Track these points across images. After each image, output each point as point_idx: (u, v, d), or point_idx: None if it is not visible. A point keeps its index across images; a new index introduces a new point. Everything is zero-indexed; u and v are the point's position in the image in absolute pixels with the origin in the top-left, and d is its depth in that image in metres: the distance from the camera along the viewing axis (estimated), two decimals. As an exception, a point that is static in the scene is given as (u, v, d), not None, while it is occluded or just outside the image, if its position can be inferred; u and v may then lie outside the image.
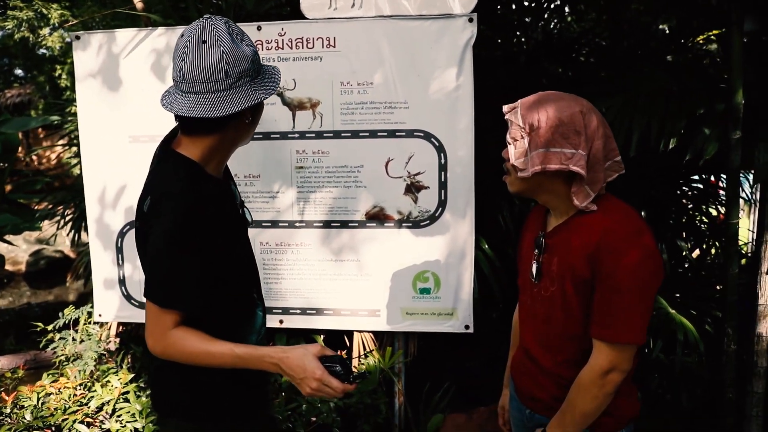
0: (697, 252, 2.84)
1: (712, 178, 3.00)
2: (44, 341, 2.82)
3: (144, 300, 1.18)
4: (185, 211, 1.12)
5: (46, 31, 7.97)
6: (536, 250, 1.33)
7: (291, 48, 2.27)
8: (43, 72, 10.28)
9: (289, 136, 2.32)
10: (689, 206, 2.70)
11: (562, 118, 1.18)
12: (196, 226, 1.13)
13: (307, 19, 2.24)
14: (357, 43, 2.23)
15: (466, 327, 2.33)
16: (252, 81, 1.15)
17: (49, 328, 2.82)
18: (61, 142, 4.03)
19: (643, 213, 2.45)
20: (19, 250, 8.49)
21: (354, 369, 1.21)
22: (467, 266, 2.30)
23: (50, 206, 3.98)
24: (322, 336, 2.55)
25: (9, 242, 5.32)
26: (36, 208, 5.12)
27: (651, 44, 3.46)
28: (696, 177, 2.91)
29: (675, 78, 2.25)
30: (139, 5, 2.44)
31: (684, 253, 2.54)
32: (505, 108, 1.26)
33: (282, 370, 1.15)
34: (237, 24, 2.28)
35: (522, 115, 1.21)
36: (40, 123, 5.31)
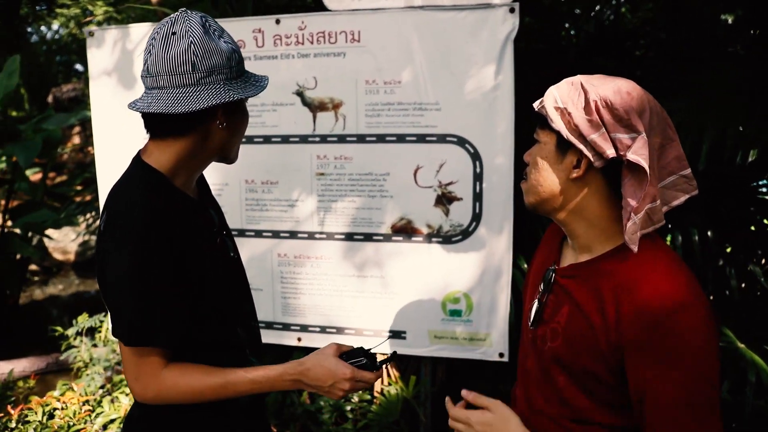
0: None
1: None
2: (64, 346, 2.75)
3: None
4: (145, 228, 0.96)
5: (93, 27, 8.12)
6: (541, 285, 1.03)
7: (312, 43, 2.07)
8: (94, 67, 10.55)
9: (309, 139, 2.13)
10: (764, 223, 2.36)
11: (609, 95, 0.88)
12: (159, 245, 0.96)
13: (330, 10, 2.04)
14: (384, 37, 2.01)
15: (500, 355, 2.08)
16: (227, 81, 0.99)
17: (69, 332, 2.75)
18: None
19: (709, 233, 2.14)
20: (67, 239, 8.75)
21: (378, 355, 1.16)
22: (503, 287, 2.05)
23: (87, 200, 4.00)
24: (342, 356, 2.36)
25: (49, 237, 5.41)
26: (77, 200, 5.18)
27: (716, 36, 3.08)
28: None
29: (758, 75, 1.91)
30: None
31: (759, 279, 2.21)
32: (536, 103, 0.99)
33: (306, 384, 1.04)
34: (252, 17, 2.11)
35: (557, 97, 0.94)
36: (78, 118, 5.36)
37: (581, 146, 0.90)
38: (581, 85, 0.92)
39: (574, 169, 0.93)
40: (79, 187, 5.47)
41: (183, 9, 1.00)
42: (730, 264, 2.23)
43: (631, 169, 0.88)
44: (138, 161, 1.05)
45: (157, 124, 1.01)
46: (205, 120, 1.00)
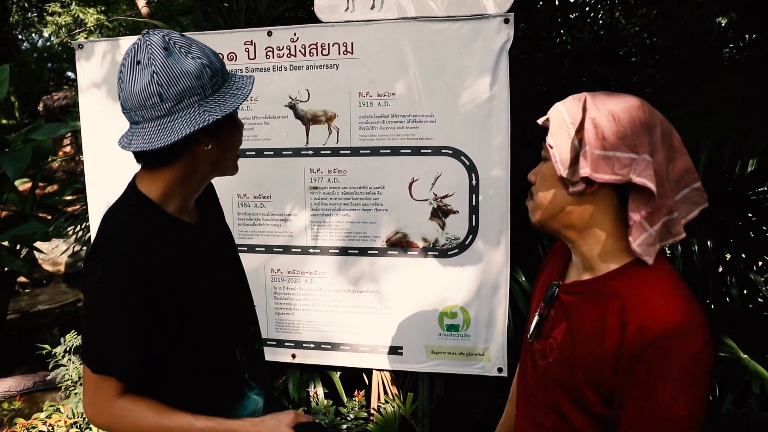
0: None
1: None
2: (52, 364, 2.69)
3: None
4: (124, 257, 0.94)
5: (83, 36, 8.06)
6: (544, 300, 1.02)
7: (304, 55, 2.04)
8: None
9: (303, 153, 2.09)
10: (763, 230, 2.33)
11: (617, 112, 0.86)
12: (136, 276, 0.94)
13: (322, 22, 2.00)
14: (377, 48, 1.97)
15: (499, 370, 2.04)
16: (202, 100, 0.94)
17: (57, 350, 2.68)
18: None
19: (709, 242, 2.11)
20: (58, 251, 8.66)
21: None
22: (501, 300, 2.02)
23: (77, 211, 3.94)
24: (338, 373, 2.32)
25: (38, 249, 5.32)
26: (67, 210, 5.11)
27: (710, 42, 3.06)
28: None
29: (753, 82, 1.89)
30: (144, 11, 2.26)
31: (760, 287, 2.18)
32: (542, 119, 0.96)
33: None
34: (244, 29, 2.07)
35: (564, 111, 0.91)
36: (69, 129, 5.28)
37: (580, 166, 0.88)
38: (584, 102, 0.89)
39: (578, 187, 0.90)
40: (69, 197, 5.39)
41: (145, 31, 0.95)
42: (730, 273, 2.20)
43: (637, 188, 0.86)
44: (131, 188, 1.04)
45: (142, 158, 1.00)
46: (188, 146, 0.98)
